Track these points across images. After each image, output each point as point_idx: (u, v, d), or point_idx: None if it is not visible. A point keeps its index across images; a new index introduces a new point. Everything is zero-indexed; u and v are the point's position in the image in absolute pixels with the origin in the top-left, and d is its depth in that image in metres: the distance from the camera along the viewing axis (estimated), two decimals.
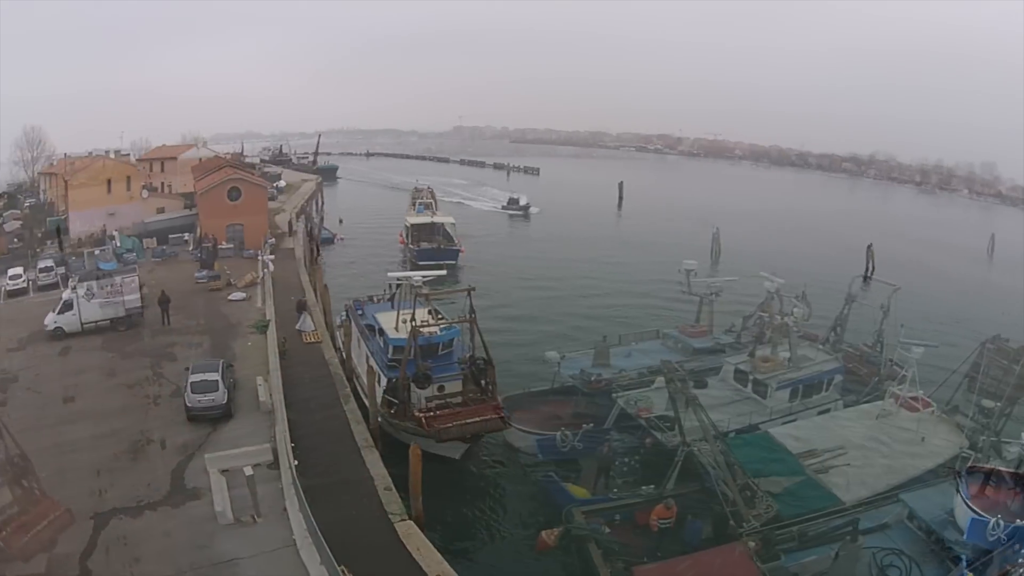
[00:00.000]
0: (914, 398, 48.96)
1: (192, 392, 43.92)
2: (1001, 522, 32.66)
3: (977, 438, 46.79)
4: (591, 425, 47.69)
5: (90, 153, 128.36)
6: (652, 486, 40.11)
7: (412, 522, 34.65)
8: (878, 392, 56.29)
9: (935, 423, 48.01)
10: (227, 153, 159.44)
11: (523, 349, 68.75)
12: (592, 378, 50.67)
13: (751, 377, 50.91)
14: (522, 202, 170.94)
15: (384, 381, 48.44)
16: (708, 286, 62.45)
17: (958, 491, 35.58)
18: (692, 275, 63.09)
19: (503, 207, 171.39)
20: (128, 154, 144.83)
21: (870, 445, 44.39)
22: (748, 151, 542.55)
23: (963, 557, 32.05)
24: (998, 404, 48.18)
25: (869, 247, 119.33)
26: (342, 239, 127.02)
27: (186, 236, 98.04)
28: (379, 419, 46.25)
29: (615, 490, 41.31)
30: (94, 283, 60.60)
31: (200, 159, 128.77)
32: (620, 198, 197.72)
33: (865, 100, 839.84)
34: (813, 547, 33.11)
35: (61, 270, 78.41)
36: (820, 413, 50.67)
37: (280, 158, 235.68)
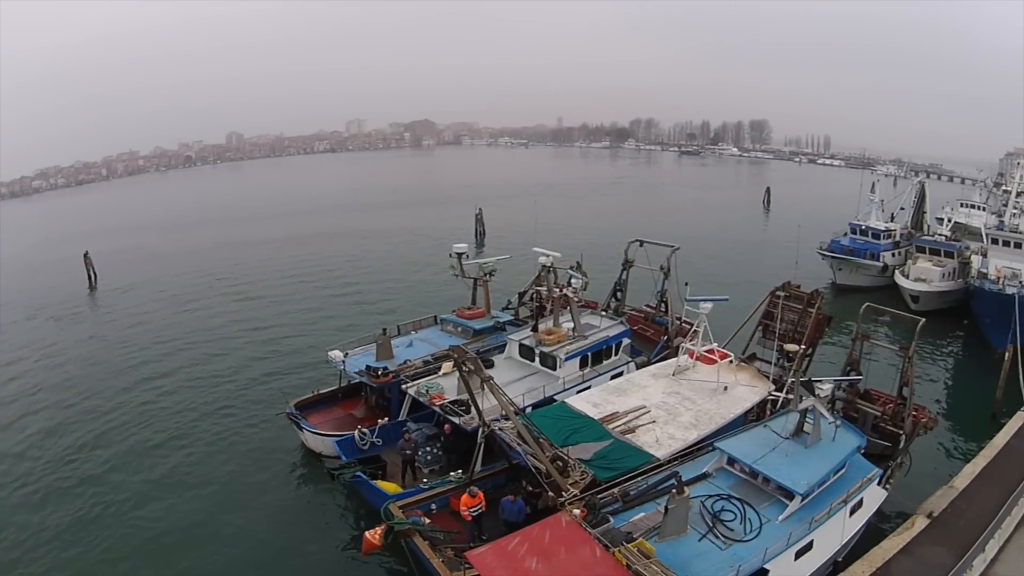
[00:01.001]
0: (709, 351, 50.68)
1: None
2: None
3: (783, 380, 49.29)
4: (386, 420, 47.33)
5: None
6: (460, 471, 40.15)
7: None
8: (669, 350, 58.36)
9: (735, 372, 50.00)
10: None
11: (302, 350, 69.10)
12: (379, 372, 49.71)
13: (538, 351, 51.29)
14: None
15: None
16: (480, 267, 62.39)
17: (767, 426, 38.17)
18: (464, 258, 62.74)
19: None
20: None
21: (672, 401, 45.69)
22: (501, 132, 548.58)
23: (796, 492, 33.56)
24: (801, 347, 50.89)
25: (478, 214, 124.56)
26: None
27: None
28: None
29: (425, 480, 40.90)
30: None
31: None
32: None
33: (625, 71, 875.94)
34: (639, 505, 33.68)
35: None
36: (613, 377, 51.55)
37: None
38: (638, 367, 54.10)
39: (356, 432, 45.34)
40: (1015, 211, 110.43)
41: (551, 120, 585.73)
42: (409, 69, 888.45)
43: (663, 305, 64.61)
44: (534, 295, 63.22)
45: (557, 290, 55.76)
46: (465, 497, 35.40)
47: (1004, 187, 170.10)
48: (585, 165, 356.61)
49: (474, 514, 35.24)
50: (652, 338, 62.87)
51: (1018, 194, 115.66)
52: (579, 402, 44.78)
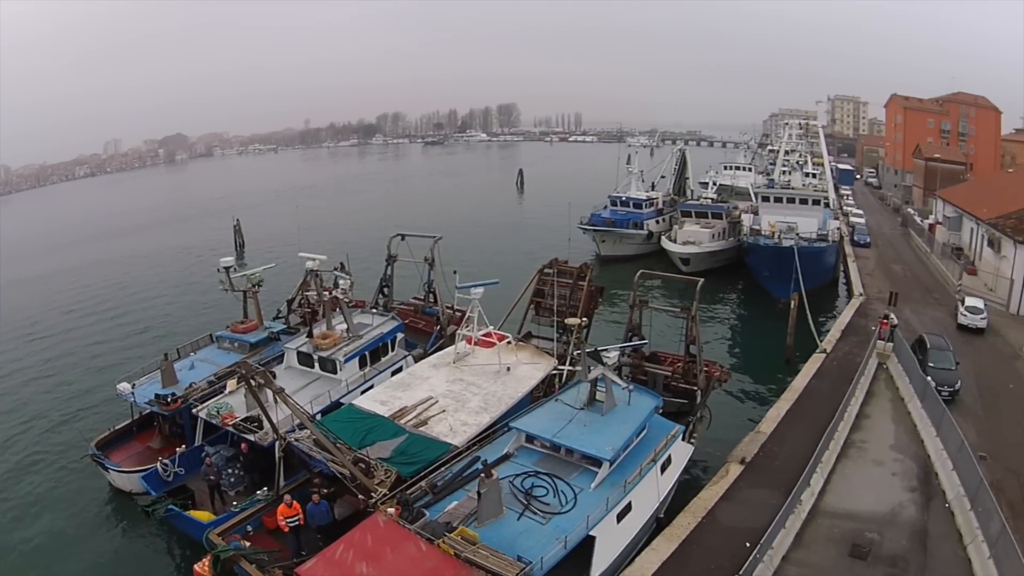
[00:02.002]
0: (487, 335, 51.83)
1: None
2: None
3: (564, 354, 50.82)
4: (183, 447, 45.50)
5: None
6: (265, 488, 39.30)
7: None
8: (444, 339, 59.75)
9: (515, 352, 51.06)
10: None
11: (88, 384, 66.11)
12: (168, 399, 47.67)
13: (316, 357, 50.80)
14: None
15: None
16: (248, 279, 60.97)
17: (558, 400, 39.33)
18: (232, 271, 61.25)
19: None
20: None
21: (457, 388, 46.32)
22: (251, 139, 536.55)
23: (603, 458, 34.65)
24: (583, 320, 52.34)
25: (235, 225, 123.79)
26: None
27: None
28: None
29: (235, 503, 39.70)
30: None
31: None
32: None
33: (373, 68, 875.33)
34: (449, 495, 33.96)
35: None
36: (394, 373, 51.77)
37: None
38: (416, 360, 54.44)
39: (158, 464, 43.52)
40: (784, 168, 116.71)
41: (299, 123, 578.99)
42: (161, 84, 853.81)
43: (431, 296, 65.56)
44: (302, 300, 63.02)
45: (326, 293, 55.46)
46: (282, 507, 35.02)
47: (769, 147, 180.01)
48: (334, 165, 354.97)
49: (291, 525, 34.82)
50: (425, 329, 63.78)
51: (787, 152, 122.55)
52: (367, 402, 44.63)
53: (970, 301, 72.86)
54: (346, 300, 54.83)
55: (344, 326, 53.33)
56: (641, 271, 53.79)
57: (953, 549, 35.42)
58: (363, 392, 48.29)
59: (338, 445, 36.57)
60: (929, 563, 34.45)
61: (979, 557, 33.71)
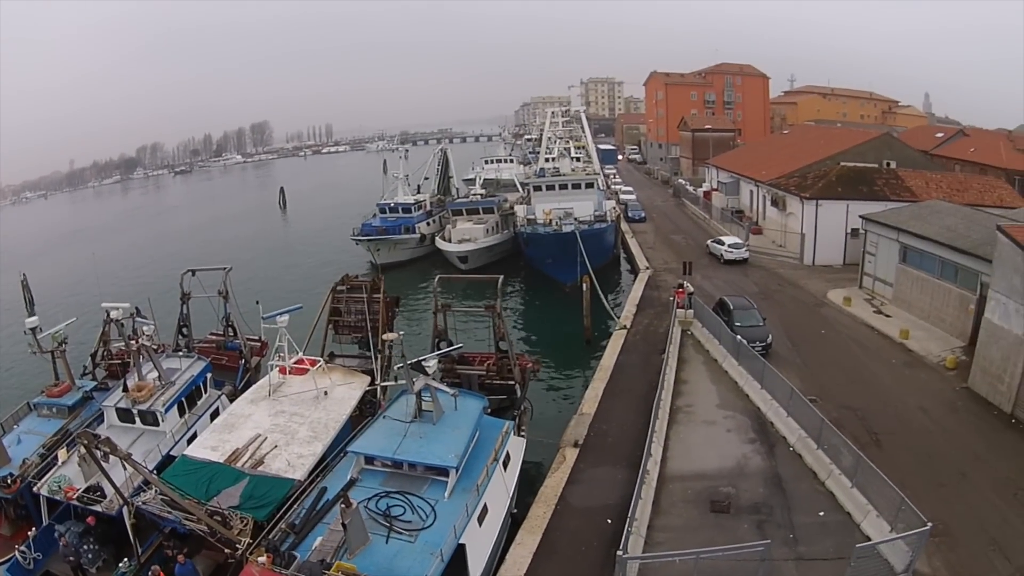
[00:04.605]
0: (299, 362, 51.15)
1: None
2: None
3: (379, 369, 51.34)
4: (34, 530, 42.05)
5: None
6: (126, 559, 37.77)
7: None
8: (251, 372, 59.77)
9: (328, 375, 50.69)
10: None
11: None
12: (8, 481, 44.47)
13: (136, 411, 48.04)
14: None
15: None
16: (53, 338, 58.05)
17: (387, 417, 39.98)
18: (38, 332, 58.29)
19: None
20: None
21: (282, 421, 45.58)
22: (22, 187, 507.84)
23: (449, 467, 35.22)
24: (400, 333, 51.06)
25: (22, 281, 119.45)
26: None
27: None
28: None
29: None
30: None
31: None
32: None
33: (129, 99, 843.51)
34: (311, 531, 33.75)
35: None
36: (213, 416, 50.13)
37: None
38: (230, 398, 53.23)
39: (16, 553, 40.34)
40: (549, 156, 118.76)
41: (65, 164, 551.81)
42: None
43: (230, 329, 64.02)
44: (105, 353, 60.39)
45: (133, 342, 53.32)
46: None
47: (527, 136, 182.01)
48: (100, 205, 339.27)
49: None
50: (229, 365, 61.74)
51: (550, 139, 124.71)
52: (198, 450, 43.01)
53: (728, 239, 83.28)
54: (152, 346, 52.82)
55: (155, 374, 50.84)
56: (439, 276, 54.86)
57: (811, 486, 38.02)
58: (189, 441, 46.55)
59: (187, 500, 35.42)
60: (792, 503, 36.85)
61: (841, 488, 36.36)
